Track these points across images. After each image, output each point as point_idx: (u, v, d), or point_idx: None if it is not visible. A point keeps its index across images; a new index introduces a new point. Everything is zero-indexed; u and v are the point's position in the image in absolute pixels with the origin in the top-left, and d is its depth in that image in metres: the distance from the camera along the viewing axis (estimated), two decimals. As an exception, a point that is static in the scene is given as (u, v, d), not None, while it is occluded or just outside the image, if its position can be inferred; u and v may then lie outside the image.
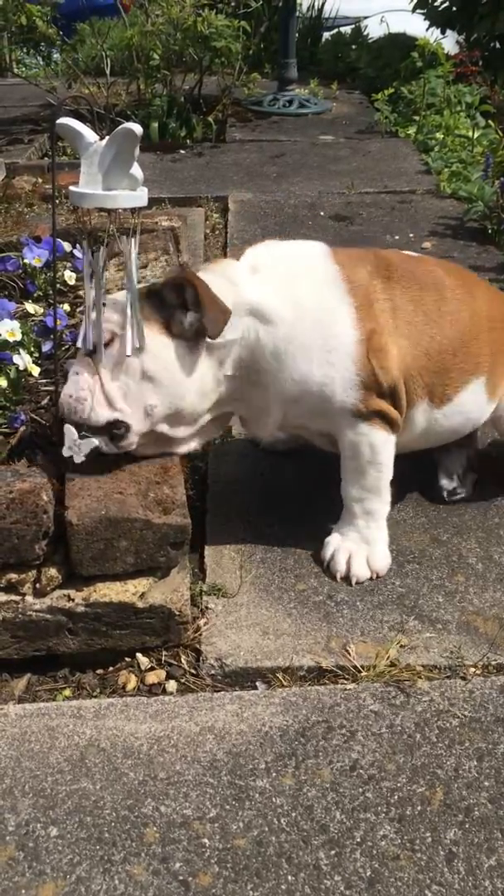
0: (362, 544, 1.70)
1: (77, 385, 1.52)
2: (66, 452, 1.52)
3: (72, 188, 1.49)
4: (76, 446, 1.51)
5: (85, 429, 1.52)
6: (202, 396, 1.59)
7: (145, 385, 1.54)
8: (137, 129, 1.41)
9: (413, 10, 5.87)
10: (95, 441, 1.52)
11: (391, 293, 1.67)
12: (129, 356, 1.52)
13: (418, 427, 1.74)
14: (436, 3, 5.73)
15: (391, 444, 1.67)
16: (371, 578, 1.69)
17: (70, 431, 1.51)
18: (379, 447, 1.64)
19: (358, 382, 1.60)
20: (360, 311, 1.61)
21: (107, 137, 1.45)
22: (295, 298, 1.60)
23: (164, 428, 1.59)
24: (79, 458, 1.52)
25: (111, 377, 1.53)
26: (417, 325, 1.68)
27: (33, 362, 1.87)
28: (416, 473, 2.01)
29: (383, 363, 1.60)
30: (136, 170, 1.47)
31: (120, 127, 1.41)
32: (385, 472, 1.68)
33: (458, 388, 1.74)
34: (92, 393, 1.51)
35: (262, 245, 1.71)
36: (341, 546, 1.71)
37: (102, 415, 1.52)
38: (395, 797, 1.28)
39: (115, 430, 1.54)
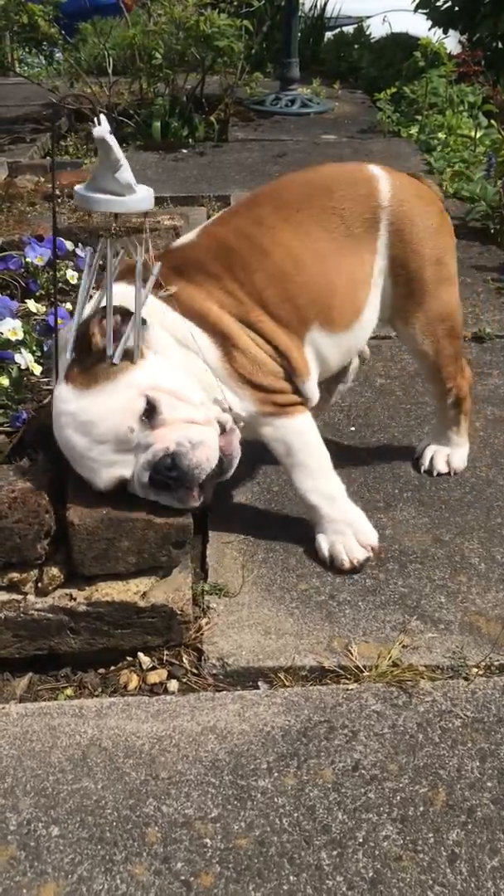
0: (345, 528, 1.72)
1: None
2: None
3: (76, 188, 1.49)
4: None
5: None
6: None
7: None
8: (97, 131, 1.40)
9: (415, 10, 5.87)
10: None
11: (234, 286, 1.67)
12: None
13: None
14: (438, 4, 5.73)
15: (311, 422, 1.72)
16: (369, 556, 1.70)
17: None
18: (303, 430, 1.70)
19: (249, 395, 1.65)
20: (216, 339, 1.63)
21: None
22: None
23: None
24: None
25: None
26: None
27: (35, 361, 1.87)
28: (415, 474, 2.01)
29: (255, 371, 1.65)
30: (124, 173, 1.44)
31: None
32: (321, 450, 1.72)
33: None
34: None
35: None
36: (333, 541, 1.72)
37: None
38: (398, 797, 1.28)
39: None
